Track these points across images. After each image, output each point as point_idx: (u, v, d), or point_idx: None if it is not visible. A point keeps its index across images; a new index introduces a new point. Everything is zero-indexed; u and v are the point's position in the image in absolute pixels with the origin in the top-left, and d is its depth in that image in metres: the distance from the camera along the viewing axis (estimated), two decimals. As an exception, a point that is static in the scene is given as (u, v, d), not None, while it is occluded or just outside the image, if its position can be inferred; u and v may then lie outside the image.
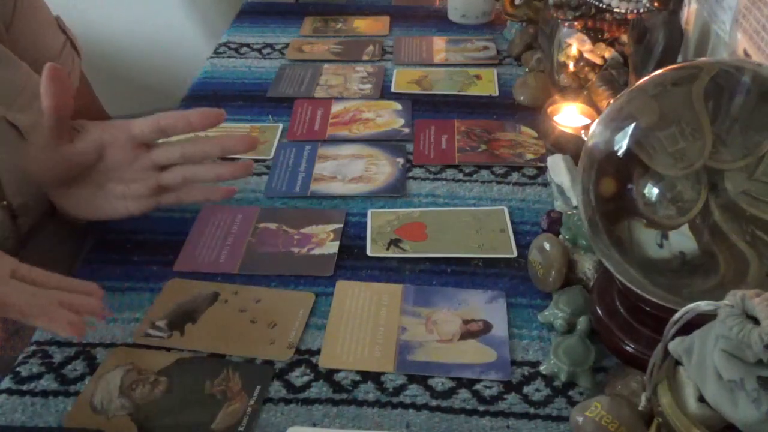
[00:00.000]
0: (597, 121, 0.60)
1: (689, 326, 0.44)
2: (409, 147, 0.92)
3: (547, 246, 0.68)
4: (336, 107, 1.00)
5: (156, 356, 0.63)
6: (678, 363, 0.46)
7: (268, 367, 0.62)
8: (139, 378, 0.60)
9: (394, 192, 0.83)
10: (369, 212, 0.80)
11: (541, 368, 0.61)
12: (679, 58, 0.83)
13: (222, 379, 0.60)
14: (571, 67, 0.94)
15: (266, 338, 0.64)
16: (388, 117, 0.98)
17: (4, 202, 0.71)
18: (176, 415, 0.57)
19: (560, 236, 0.71)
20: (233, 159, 0.79)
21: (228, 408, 0.58)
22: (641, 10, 0.87)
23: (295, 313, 0.67)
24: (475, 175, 0.86)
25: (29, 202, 0.73)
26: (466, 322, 0.66)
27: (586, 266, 0.68)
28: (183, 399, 0.59)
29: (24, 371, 0.62)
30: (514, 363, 0.62)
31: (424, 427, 0.57)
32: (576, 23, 0.93)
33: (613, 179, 0.57)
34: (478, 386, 0.60)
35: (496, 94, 1.04)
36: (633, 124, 0.57)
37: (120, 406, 0.58)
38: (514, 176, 0.86)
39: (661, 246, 0.55)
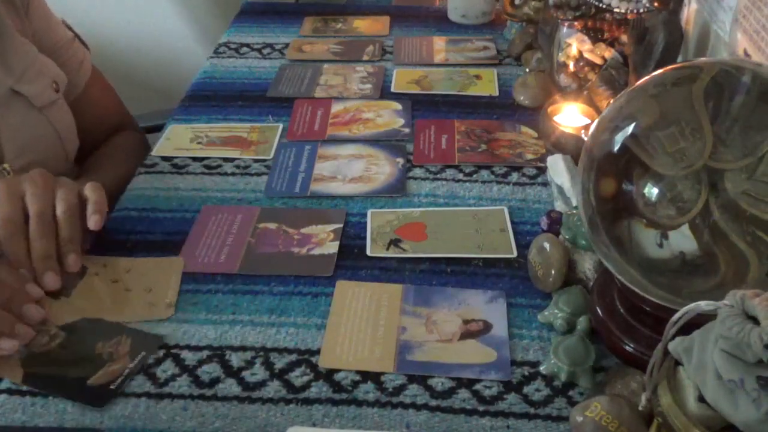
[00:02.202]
0: (597, 121, 0.60)
1: (689, 326, 0.44)
2: (409, 147, 0.92)
3: (547, 246, 0.68)
4: (336, 107, 1.00)
5: (61, 310, 0.66)
6: (678, 363, 0.46)
7: (157, 337, 0.64)
8: (41, 329, 0.64)
9: (394, 192, 0.83)
10: (369, 212, 0.80)
11: (541, 368, 0.61)
12: (679, 58, 0.83)
13: (115, 343, 0.63)
14: (571, 67, 0.94)
15: (144, 302, 0.68)
16: (388, 117, 0.98)
17: (4, 166, 0.73)
18: (61, 368, 0.61)
19: (560, 236, 0.71)
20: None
21: (109, 368, 0.61)
22: (641, 10, 0.87)
23: (168, 277, 0.71)
24: (475, 175, 0.86)
25: (30, 167, 0.75)
26: (466, 322, 0.66)
27: (586, 266, 0.68)
28: (74, 355, 0.62)
29: (24, 371, 0.62)
30: (514, 363, 0.62)
31: (424, 427, 0.57)
32: (576, 23, 0.93)
33: (613, 179, 0.57)
34: (478, 386, 0.60)
35: (496, 94, 1.04)
36: (633, 124, 0.57)
37: (17, 350, 0.61)
38: (514, 176, 0.86)
39: (661, 246, 0.55)
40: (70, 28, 0.93)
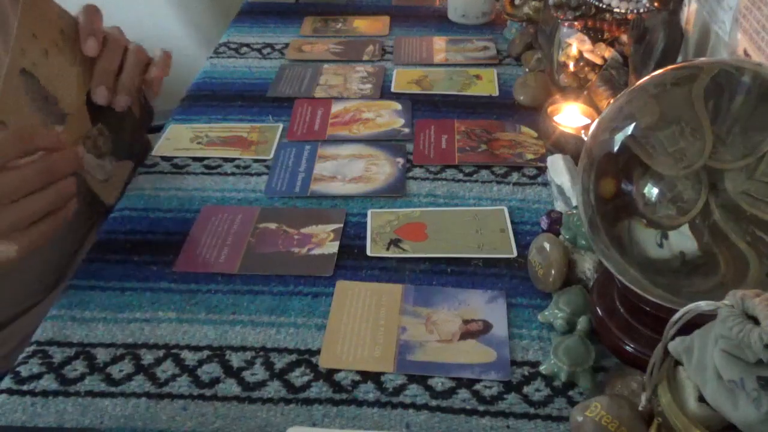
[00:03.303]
0: (597, 121, 0.60)
1: (689, 326, 0.44)
2: (409, 147, 0.92)
3: (547, 246, 0.68)
4: (336, 107, 1.00)
5: None
6: (678, 363, 0.46)
7: None
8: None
9: (394, 192, 0.83)
10: (369, 212, 0.80)
11: (541, 368, 0.61)
12: (679, 58, 0.83)
13: None
14: (571, 67, 0.94)
15: None
16: (388, 117, 0.98)
17: None
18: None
19: (560, 236, 0.71)
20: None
21: None
22: (641, 10, 0.87)
23: None
24: (475, 175, 0.86)
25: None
26: (466, 322, 0.66)
27: (586, 266, 0.68)
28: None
29: (24, 371, 0.62)
30: (514, 363, 0.62)
31: (424, 427, 0.57)
32: (576, 23, 0.93)
33: (613, 179, 0.57)
34: (478, 386, 0.60)
35: (496, 94, 1.04)
36: (633, 124, 0.57)
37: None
38: (514, 176, 0.86)
39: (661, 246, 0.55)
40: None
